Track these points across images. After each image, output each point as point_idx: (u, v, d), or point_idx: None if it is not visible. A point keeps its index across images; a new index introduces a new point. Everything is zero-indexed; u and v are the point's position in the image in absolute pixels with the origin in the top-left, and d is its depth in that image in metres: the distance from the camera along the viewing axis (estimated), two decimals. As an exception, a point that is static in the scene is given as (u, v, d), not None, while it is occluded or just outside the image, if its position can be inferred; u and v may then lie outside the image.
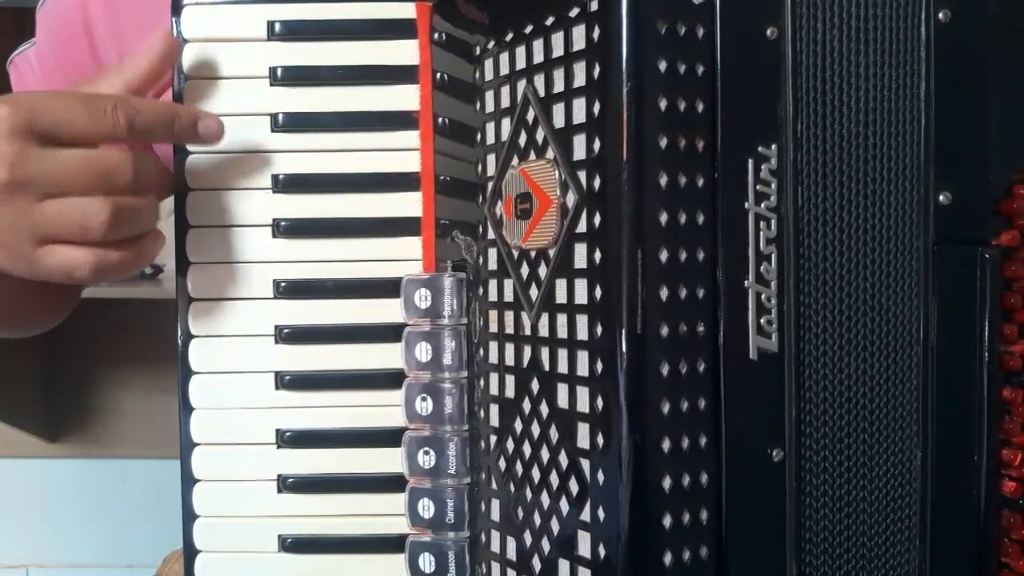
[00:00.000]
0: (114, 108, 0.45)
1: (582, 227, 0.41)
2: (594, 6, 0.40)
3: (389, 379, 0.52)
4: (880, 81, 0.43)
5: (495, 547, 0.48)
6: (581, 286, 0.41)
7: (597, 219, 0.40)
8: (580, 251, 0.41)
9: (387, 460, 0.52)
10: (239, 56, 0.52)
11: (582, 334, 0.41)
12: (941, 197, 0.43)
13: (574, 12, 0.41)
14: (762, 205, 0.41)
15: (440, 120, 0.51)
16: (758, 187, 0.41)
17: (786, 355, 0.41)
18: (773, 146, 0.41)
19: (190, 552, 0.53)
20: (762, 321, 0.41)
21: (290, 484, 0.52)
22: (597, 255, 0.41)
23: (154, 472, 1.48)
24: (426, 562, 0.50)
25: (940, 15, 0.43)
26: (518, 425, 0.45)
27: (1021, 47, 0.44)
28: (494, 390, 0.48)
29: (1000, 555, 0.44)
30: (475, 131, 0.50)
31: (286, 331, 0.52)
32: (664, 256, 0.40)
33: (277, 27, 0.52)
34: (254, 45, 0.52)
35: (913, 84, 0.43)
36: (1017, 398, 0.44)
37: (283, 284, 0.52)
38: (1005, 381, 0.44)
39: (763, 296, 0.41)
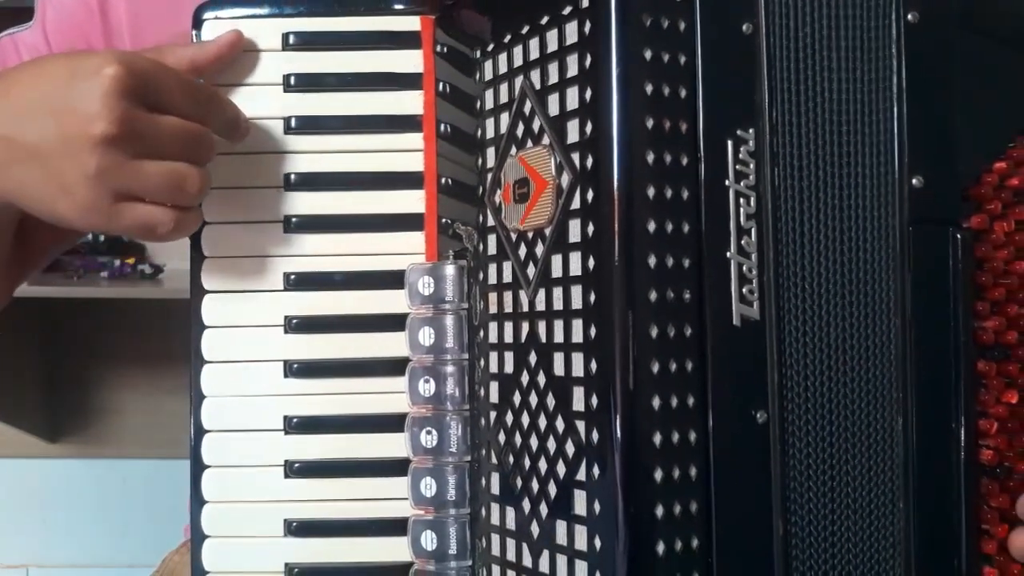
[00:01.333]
0: (209, 99, 0.49)
1: (576, 204, 0.44)
2: (585, 3, 0.44)
3: (393, 366, 0.54)
4: (852, 75, 0.46)
5: (495, 519, 0.49)
6: (575, 259, 0.44)
7: (590, 195, 0.44)
8: (574, 226, 0.44)
9: (392, 445, 0.54)
10: (255, 64, 0.56)
11: (577, 303, 0.44)
12: (914, 180, 0.46)
13: (567, 10, 0.45)
14: (741, 183, 0.44)
15: (442, 126, 0.55)
16: (737, 167, 0.44)
17: (767, 322, 0.44)
18: (751, 130, 0.44)
19: (198, 537, 0.55)
20: (744, 290, 0.44)
21: (297, 469, 0.54)
22: (590, 228, 0.44)
23: (154, 472, 1.49)
24: (428, 539, 0.52)
25: (909, 16, 0.46)
26: (516, 398, 0.48)
27: (984, 47, 0.48)
28: (494, 368, 0.50)
29: (980, 521, 0.46)
30: (474, 138, 0.54)
31: (295, 321, 0.55)
32: (652, 227, 0.43)
33: (291, 39, 0.56)
34: (269, 55, 0.56)
35: (885, 78, 0.46)
36: (991, 371, 0.47)
37: (293, 276, 0.55)
38: (980, 355, 0.47)
39: (744, 267, 0.44)
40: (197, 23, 0.56)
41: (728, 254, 0.44)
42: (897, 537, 0.45)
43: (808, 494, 0.45)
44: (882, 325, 0.46)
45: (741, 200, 0.44)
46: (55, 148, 0.45)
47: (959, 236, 0.47)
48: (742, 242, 0.44)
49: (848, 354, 0.45)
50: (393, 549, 0.54)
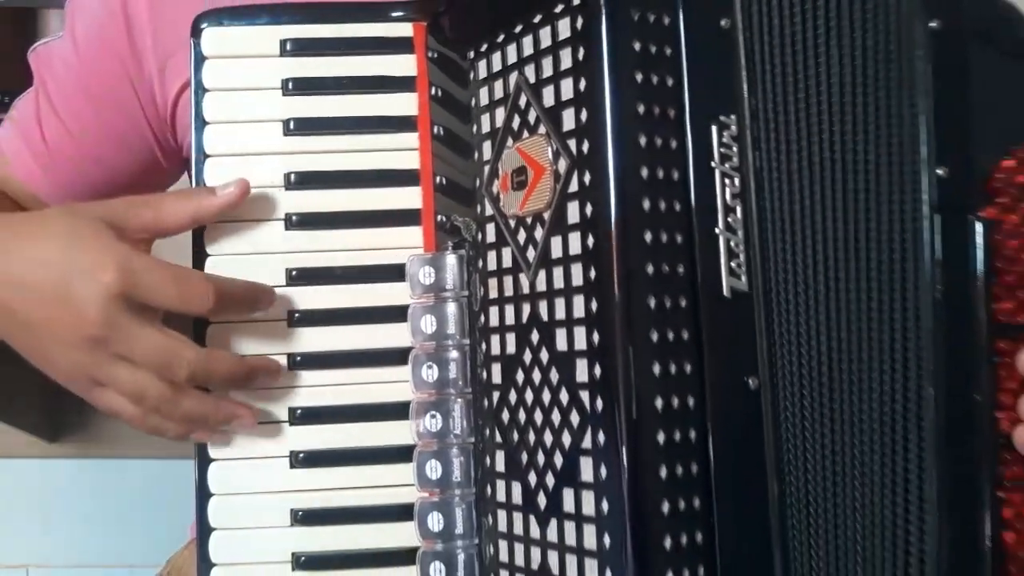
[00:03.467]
0: (208, 290, 0.50)
1: (574, 187, 0.47)
2: (576, 0, 0.47)
3: (396, 356, 0.56)
4: (853, 70, 0.48)
5: (500, 496, 0.51)
6: (575, 238, 0.47)
7: (587, 177, 0.46)
8: (572, 208, 0.47)
9: (396, 433, 0.55)
10: (254, 70, 0.58)
11: (577, 280, 0.47)
12: (940, 171, 0.49)
13: (559, 8, 0.48)
14: (726, 165, 0.47)
15: (436, 127, 0.58)
16: (722, 150, 0.47)
17: (755, 293, 0.47)
18: (732, 116, 0.48)
19: (204, 530, 0.55)
20: (732, 264, 0.47)
21: (302, 459, 0.56)
22: (588, 209, 0.46)
23: (154, 472, 1.47)
24: (434, 521, 0.53)
25: (932, 23, 0.49)
26: (520, 376, 0.50)
27: (993, 58, 0.51)
28: (495, 350, 0.52)
29: (997, 489, 0.49)
30: (467, 143, 0.56)
31: (297, 315, 0.57)
32: (647, 206, 0.45)
33: (289, 45, 0.58)
34: (268, 60, 0.58)
35: (908, 77, 0.48)
36: (1009, 349, 0.49)
37: (295, 272, 0.57)
38: (999, 333, 0.49)
39: (732, 242, 0.47)
40: (196, 31, 0.58)
41: (716, 230, 0.47)
42: (913, 496, 0.47)
43: (804, 455, 0.47)
44: (906, 302, 0.48)
45: (726, 180, 0.47)
46: (45, 332, 0.50)
47: (981, 222, 0.49)
48: (728, 219, 0.47)
49: (836, 322, 0.48)
50: (400, 534, 0.55)
